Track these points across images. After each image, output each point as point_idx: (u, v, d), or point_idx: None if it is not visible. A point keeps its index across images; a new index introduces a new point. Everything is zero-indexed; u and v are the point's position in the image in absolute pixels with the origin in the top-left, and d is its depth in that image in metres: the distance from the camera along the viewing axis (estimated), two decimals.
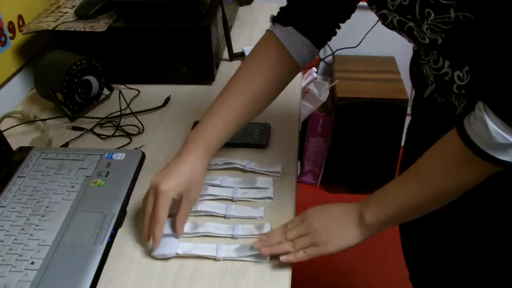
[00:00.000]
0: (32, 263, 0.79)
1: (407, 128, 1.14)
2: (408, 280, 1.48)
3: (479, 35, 0.69)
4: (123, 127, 1.17)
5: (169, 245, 0.84)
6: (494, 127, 0.67)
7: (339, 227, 0.83)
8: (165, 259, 0.84)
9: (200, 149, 0.90)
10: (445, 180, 0.76)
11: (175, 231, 0.86)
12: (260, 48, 0.97)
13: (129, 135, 1.14)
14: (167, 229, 0.87)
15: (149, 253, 0.85)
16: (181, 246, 0.84)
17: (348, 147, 2.38)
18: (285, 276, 0.81)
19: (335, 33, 0.98)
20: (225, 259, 0.83)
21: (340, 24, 0.97)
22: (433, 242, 1.04)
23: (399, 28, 0.80)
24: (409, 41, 0.83)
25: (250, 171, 1.01)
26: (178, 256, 0.84)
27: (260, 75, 0.95)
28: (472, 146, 0.70)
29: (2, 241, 0.83)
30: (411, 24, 0.76)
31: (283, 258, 0.81)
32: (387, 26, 0.84)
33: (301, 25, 0.93)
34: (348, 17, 0.96)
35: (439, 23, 0.71)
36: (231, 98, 0.95)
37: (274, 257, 0.83)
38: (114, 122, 1.18)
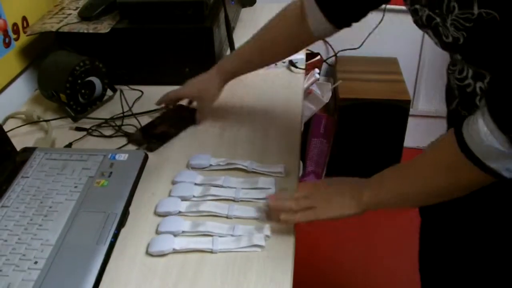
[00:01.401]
0: (36, 262, 0.80)
1: None
2: (411, 279, 1.47)
3: (502, 38, 0.67)
4: (126, 128, 1.17)
5: (166, 242, 0.85)
6: (485, 129, 0.68)
7: (339, 197, 0.88)
8: (167, 258, 0.84)
9: (215, 70, 1.17)
10: (435, 179, 0.79)
11: None
12: (286, 10, 1.08)
13: (130, 137, 1.15)
14: (164, 226, 0.88)
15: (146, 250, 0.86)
16: (177, 242, 0.85)
17: (350, 148, 2.38)
18: (286, 275, 0.81)
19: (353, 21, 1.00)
20: (221, 251, 0.85)
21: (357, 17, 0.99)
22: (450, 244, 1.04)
23: (427, 24, 0.79)
24: (436, 44, 0.82)
25: (253, 172, 1.02)
26: (175, 252, 0.85)
27: (277, 31, 1.10)
28: (463, 147, 0.71)
29: (6, 240, 0.84)
30: (438, 20, 0.76)
31: (283, 217, 0.87)
32: (416, 23, 0.83)
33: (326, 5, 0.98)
34: (365, 14, 0.98)
35: (462, 19, 0.70)
36: (248, 42, 1.14)
37: (275, 254, 0.83)
38: (114, 124, 1.18)
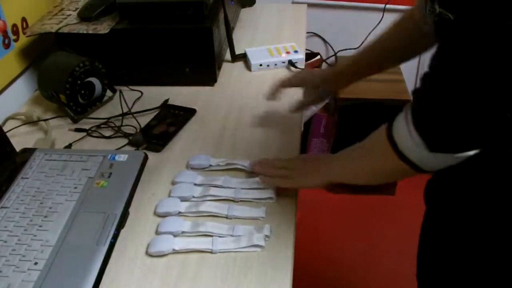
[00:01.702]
0: (36, 263, 0.80)
1: None
2: (410, 279, 1.46)
3: (450, 39, 0.69)
4: (125, 129, 1.17)
5: (166, 242, 0.86)
6: (405, 126, 0.75)
7: (311, 168, 0.97)
8: (167, 259, 0.84)
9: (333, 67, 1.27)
10: (371, 161, 0.88)
11: None
12: (406, 17, 1.08)
13: (129, 137, 1.15)
14: (164, 227, 0.89)
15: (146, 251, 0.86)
16: (177, 242, 0.86)
17: None
18: (286, 275, 0.81)
19: None
20: (221, 252, 0.85)
21: None
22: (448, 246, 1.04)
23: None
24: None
25: (252, 172, 1.02)
26: (175, 252, 0.85)
27: (392, 42, 1.08)
28: (389, 135, 0.79)
29: (6, 241, 0.84)
30: None
31: (262, 178, 0.97)
32: None
33: None
34: None
35: (430, 12, 0.71)
36: (364, 50, 1.13)
37: (275, 254, 0.83)
38: (113, 124, 1.18)
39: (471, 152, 0.73)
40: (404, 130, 0.75)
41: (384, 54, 1.10)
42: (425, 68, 2.47)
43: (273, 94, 1.18)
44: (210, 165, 1.04)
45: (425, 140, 0.73)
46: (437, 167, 0.78)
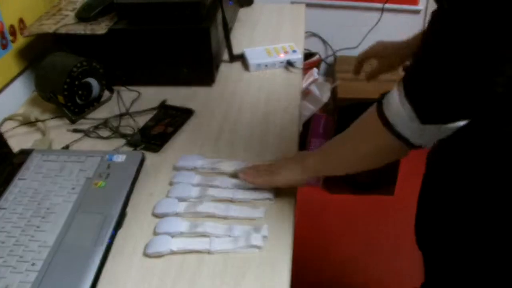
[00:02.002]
0: (33, 264, 0.80)
1: None
2: (409, 278, 1.48)
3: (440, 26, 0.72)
4: (123, 129, 1.17)
5: (164, 243, 0.85)
6: (397, 99, 0.76)
7: (289, 165, 0.98)
8: (165, 259, 0.84)
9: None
10: (360, 146, 0.88)
11: None
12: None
13: (127, 137, 1.15)
14: (162, 227, 0.88)
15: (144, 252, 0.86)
16: (175, 242, 0.85)
17: None
18: (284, 275, 0.81)
19: None
20: (219, 252, 0.85)
21: None
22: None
23: None
24: None
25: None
26: (173, 253, 0.85)
27: None
28: (380, 113, 0.79)
29: (4, 242, 0.84)
30: None
31: (248, 179, 0.97)
32: None
33: None
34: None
35: None
36: None
37: (273, 254, 0.83)
38: (111, 125, 1.18)
39: (460, 123, 0.76)
40: (396, 104, 0.77)
41: None
42: None
43: (357, 70, 1.40)
44: (195, 167, 1.03)
45: (416, 111, 0.74)
46: (429, 141, 0.80)
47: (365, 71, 1.39)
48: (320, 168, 0.97)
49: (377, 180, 2.47)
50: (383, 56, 1.35)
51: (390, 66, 1.35)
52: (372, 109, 0.84)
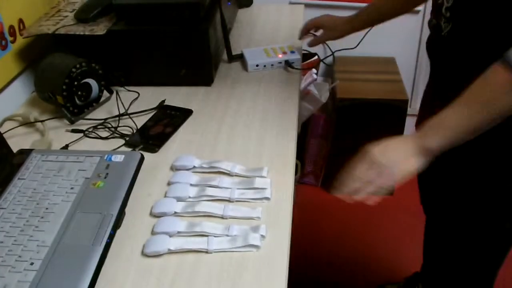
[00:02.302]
0: (32, 263, 0.80)
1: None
2: (406, 274, 1.54)
3: None
4: (122, 129, 1.17)
5: (162, 242, 0.86)
6: None
7: (402, 158, 0.96)
8: (163, 259, 0.85)
9: (350, 17, 1.44)
10: (495, 102, 0.88)
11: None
12: None
13: (126, 138, 1.15)
14: (160, 227, 0.89)
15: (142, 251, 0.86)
16: (173, 242, 0.86)
17: (348, 148, 2.38)
18: (281, 275, 0.81)
19: None
20: (217, 251, 0.85)
21: None
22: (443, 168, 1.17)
23: None
24: None
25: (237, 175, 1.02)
26: (171, 253, 0.85)
27: None
28: (506, 64, 0.83)
29: (2, 242, 0.84)
30: None
31: (357, 198, 1.00)
32: None
33: None
34: None
35: None
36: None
37: (270, 254, 0.84)
38: (110, 125, 1.19)
39: None
40: None
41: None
42: (422, 67, 2.47)
43: (302, 36, 1.52)
44: (194, 167, 1.04)
45: None
46: None
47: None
48: (445, 143, 0.93)
49: None
50: (328, 27, 1.47)
51: (331, 37, 1.48)
52: (494, 69, 0.86)
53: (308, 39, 1.53)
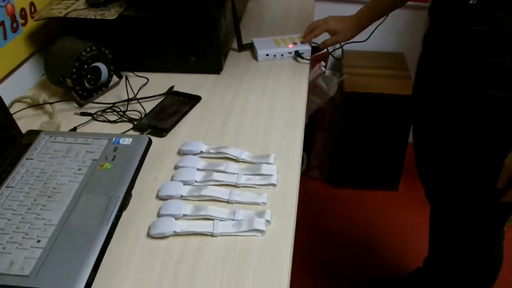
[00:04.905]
0: (38, 241, 0.81)
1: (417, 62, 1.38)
2: (410, 270, 1.55)
3: None
4: (130, 114, 1.18)
5: (168, 224, 0.86)
6: None
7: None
8: (168, 241, 0.85)
9: (355, 15, 1.51)
10: None
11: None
12: None
13: (134, 122, 1.15)
14: (166, 209, 0.89)
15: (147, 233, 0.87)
16: (178, 224, 0.86)
17: (355, 142, 2.38)
18: (286, 260, 0.82)
19: None
20: (222, 235, 0.85)
21: None
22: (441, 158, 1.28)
23: None
24: None
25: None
26: (176, 235, 0.86)
27: None
28: None
29: (10, 220, 0.85)
30: None
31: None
32: None
33: None
34: None
35: None
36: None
37: (275, 239, 0.84)
38: (118, 109, 1.19)
39: None
40: None
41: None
42: None
43: (308, 39, 1.51)
44: (201, 151, 1.04)
45: None
46: None
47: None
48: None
49: (382, 175, 2.48)
50: (337, 32, 1.51)
51: (340, 41, 1.54)
52: None
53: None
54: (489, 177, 1.14)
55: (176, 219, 0.88)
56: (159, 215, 0.89)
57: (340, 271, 2.09)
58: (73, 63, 1.18)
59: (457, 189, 1.26)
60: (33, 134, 1.06)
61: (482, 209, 1.26)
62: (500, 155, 1.10)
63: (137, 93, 1.24)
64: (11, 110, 1.18)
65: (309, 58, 1.45)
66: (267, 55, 1.43)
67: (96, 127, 1.15)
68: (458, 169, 1.22)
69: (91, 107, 1.22)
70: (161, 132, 1.11)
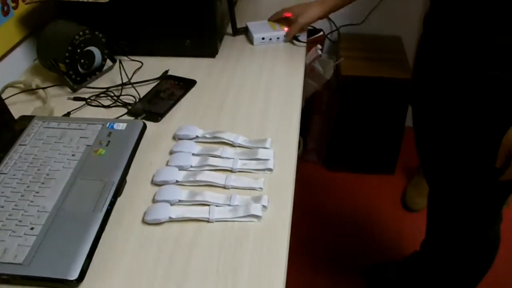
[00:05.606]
0: (32, 228, 0.80)
1: (418, 42, 1.40)
2: (405, 254, 1.56)
3: None
4: (125, 98, 1.16)
5: (163, 210, 0.85)
6: None
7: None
8: (164, 227, 0.84)
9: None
10: None
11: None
12: None
13: (128, 106, 1.14)
14: (161, 195, 0.88)
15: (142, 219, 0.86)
16: (174, 210, 0.85)
17: (352, 126, 2.37)
18: (283, 246, 0.81)
19: None
20: (218, 221, 0.84)
21: None
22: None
23: None
24: None
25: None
26: (172, 221, 0.85)
27: None
28: None
29: (3, 207, 0.84)
30: None
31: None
32: None
33: None
34: None
35: None
36: None
37: (272, 224, 0.83)
38: (112, 94, 1.18)
39: None
40: None
41: None
42: None
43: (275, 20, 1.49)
44: (197, 136, 1.03)
45: None
46: None
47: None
48: None
49: (378, 159, 2.47)
50: (297, 13, 1.46)
51: (302, 23, 1.44)
52: None
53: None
54: (489, 157, 1.14)
55: (171, 205, 0.87)
56: (154, 201, 0.89)
57: (337, 254, 2.09)
58: (66, 47, 1.16)
59: (457, 169, 1.26)
60: (26, 120, 1.04)
61: (481, 190, 1.26)
62: (501, 135, 1.10)
63: (131, 78, 1.23)
64: (3, 95, 1.16)
65: (305, 41, 1.43)
66: (263, 38, 1.42)
67: (90, 112, 1.14)
68: (458, 149, 1.22)
69: (84, 92, 1.20)
70: (156, 116, 1.10)
